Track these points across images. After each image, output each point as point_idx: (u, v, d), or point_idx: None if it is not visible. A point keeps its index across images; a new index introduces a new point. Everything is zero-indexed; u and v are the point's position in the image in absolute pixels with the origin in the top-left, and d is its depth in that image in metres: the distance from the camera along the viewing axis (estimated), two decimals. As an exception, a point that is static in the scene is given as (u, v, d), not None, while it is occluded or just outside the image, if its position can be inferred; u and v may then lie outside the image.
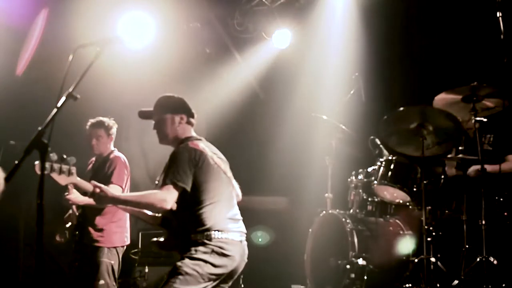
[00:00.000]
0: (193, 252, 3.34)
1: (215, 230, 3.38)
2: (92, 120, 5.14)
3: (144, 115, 3.86)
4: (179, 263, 3.33)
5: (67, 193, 4.77)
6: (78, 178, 3.74)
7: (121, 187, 4.96)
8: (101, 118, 5.16)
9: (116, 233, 4.97)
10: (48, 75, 6.31)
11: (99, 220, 4.92)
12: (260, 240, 7.49)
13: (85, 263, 4.92)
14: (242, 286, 6.47)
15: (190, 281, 3.30)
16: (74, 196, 4.79)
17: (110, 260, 4.87)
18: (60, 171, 3.62)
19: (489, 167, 4.69)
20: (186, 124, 3.71)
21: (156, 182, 3.76)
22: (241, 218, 3.62)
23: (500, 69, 3.75)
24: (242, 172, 7.97)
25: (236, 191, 3.78)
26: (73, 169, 3.68)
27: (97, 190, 3.34)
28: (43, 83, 6.89)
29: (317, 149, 6.32)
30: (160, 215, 3.64)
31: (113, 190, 4.87)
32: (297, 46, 7.26)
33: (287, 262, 6.72)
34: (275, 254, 7.22)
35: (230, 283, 3.54)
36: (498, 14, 3.85)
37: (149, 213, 3.71)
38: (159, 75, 8.14)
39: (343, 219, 5.20)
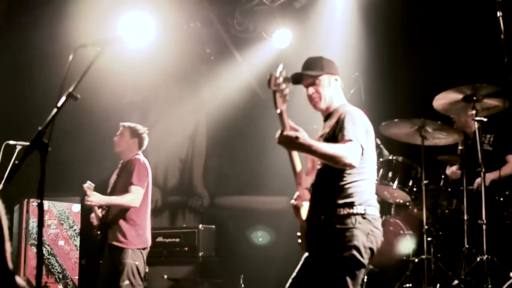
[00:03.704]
0: (351, 238, 2.98)
1: (368, 206, 3.06)
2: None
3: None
4: (346, 259, 2.95)
5: (86, 197, 4.80)
6: None
7: (142, 187, 4.94)
8: (134, 124, 5.22)
9: (138, 236, 4.95)
10: (48, 75, 6.31)
11: (122, 223, 4.93)
12: (260, 240, 7.49)
13: (110, 262, 4.95)
14: (242, 286, 6.46)
15: (359, 276, 3.00)
16: (92, 198, 4.83)
17: (135, 261, 4.85)
18: (282, 94, 3.07)
19: (490, 176, 4.72)
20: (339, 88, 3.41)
21: (321, 133, 3.31)
22: None
23: (500, 69, 3.74)
24: (242, 172, 8.03)
25: None
26: (288, 97, 3.12)
27: (293, 132, 2.97)
28: (43, 83, 6.90)
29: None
30: (310, 177, 3.27)
31: (134, 191, 4.86)
32: (297, 46, 7.26)
33: (287, 262, 6.71)
34: (275, 254, 7.22)
35: None
36: (498, 14, 3.84)
37: (299, 171, 3.28)
38: (159, 75, 8.15)
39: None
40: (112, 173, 5.26)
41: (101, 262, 5.08)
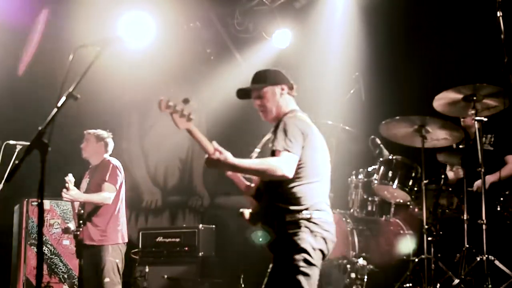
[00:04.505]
0: (299, 242, 3.10)
1: (314, 210, 3.15)
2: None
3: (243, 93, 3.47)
4: (296, 261, 3.10)
5: (65, 190, 4.88)
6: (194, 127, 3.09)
7: (115, 186, 5.11)
8: (98, 130, 5.37)
9: (116, 231, 5.11)
10: (49, 75, 6.32)
11: (98, 220, 5.07)
12: (260, 240, 7.47)
13: (90, 263, 5.08)
14: (242, 286, 6.47)
15: (313, 276, 3.14)
16: (72, 193, 4.89)
17: (115, 259, 5.02)
18: (181, 114, 3.01)
19: (490, 178, 4.72)
20: (288, 95, 3.41)
21: (258, 149, 3.44)
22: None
23: (500, 69, 3.75)
24: (242, 172, 8.02)
25: None
26: (192, 116, 3.03)
27: (217, 153, 3.04)
28: (43, 83, 6.91)
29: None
30: (253, 185, 3.40)
31: (107, 188, 5.02)
32: (297, 46, 7.26)
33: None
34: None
35: None
36: (498, 14, 3.84)
37: (247, 182, 3.47)
38: (159, 75, 8.15)
39: (344, 219, 5.20)
40: (82, 178, 5.37)
41: (81, 264, 5.20)
